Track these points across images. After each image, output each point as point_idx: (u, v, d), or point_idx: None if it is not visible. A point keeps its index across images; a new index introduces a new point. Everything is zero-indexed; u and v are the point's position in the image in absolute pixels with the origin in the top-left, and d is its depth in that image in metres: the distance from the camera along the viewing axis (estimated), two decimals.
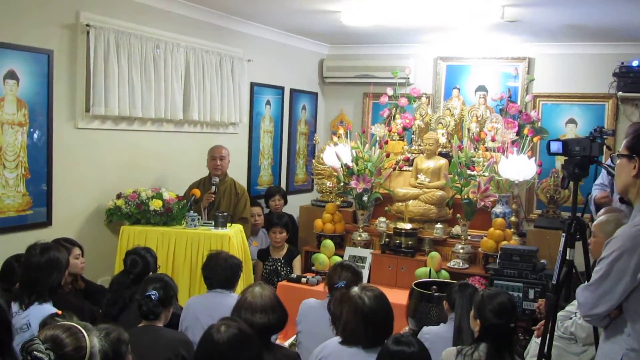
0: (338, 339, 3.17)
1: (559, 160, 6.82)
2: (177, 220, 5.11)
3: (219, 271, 3.99)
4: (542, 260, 4.93)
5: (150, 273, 4.02)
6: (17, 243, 4.24)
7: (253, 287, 3.22)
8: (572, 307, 3.82)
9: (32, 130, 4.53)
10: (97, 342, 2.12)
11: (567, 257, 3.00)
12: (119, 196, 5.07)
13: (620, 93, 6.55)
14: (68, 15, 4.77)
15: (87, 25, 4.81)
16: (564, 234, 3.05)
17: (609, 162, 5.27)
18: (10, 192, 4.41)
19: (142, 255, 4.09)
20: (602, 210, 3.78)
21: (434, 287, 4.38)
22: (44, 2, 4.58)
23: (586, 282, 2.65)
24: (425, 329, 3.87)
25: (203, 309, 3.85)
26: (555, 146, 3.12)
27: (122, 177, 5.29)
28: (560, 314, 3.65)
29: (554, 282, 3.03)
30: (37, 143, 4.58)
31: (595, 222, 3.40)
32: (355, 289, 3.21)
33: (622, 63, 6.46)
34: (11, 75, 4.35)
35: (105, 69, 4.93)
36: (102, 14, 4.97)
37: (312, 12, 5.93)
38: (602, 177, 5.30)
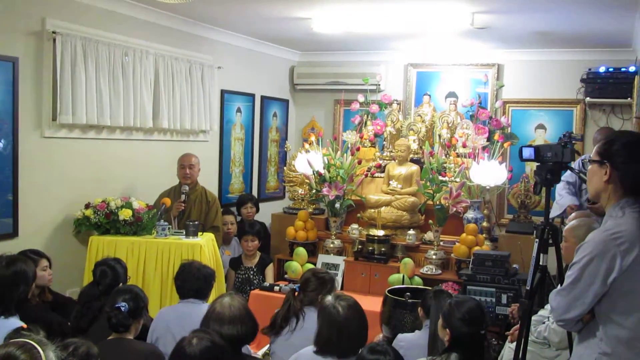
0: (312, 348, 3.15)
1: (529, 166, 6.89)
2: (147, 230, 5.04)
3: (192, 281, 3.93)
4: (515, 265, 4.95)
5: (120, 284, 3.94)
6: None
7: (222, 298, 3.18)
8: (544, 311, 3.84)
9: None
10: (54, 357, 2.07)
11: (541, 263, 3.01)
12: (87, 206, 4.98)
13: (588, 99, 6.64)
14: (34, 22, 4.68)
15: (54, 32, 4.72)
16: (536, 240, 3.06)
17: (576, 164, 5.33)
18: None
19: (112, 266, 4.01)
20: (572, 215, 3.81)
21: (408, 293, 4.37)
22: (9, 8, 4.49)
23: (559, 287, 2.65)
24: (399, 336, 3.86)
25: (174, 319, 3.78)
26: (527, 152, 3.13)
27: (91, 187, 5.20)
28: (533, 318, 3.66)
29: (527, 288, 3.03)
30: (2, 152, 4.47)
31: (566, 227, 3.42)
32: (329, 298, 3.19)
33: (590, 69, 6.55)
34: None
35: (72, 77, 4.84)
36: (69, 21, 4.89)
37: (282, 19, 5.91)
38: (567, 176, 5.32)
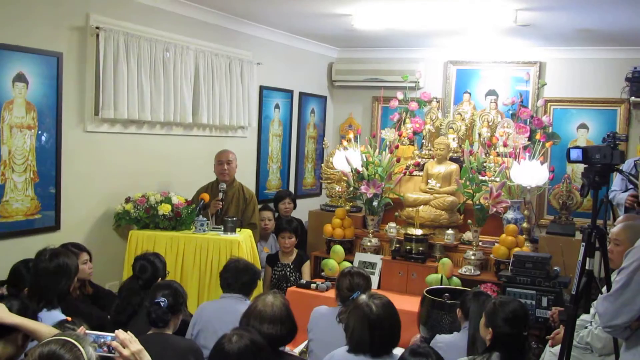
0: (346, 347, 3.13)
1: (571, 166, 6.77)
2: (186, 225, 5.07)
3: (239, 275, 3.98)
4: (555, 268, 4.85)
5: (160, 279, 3.98)
6: (25, 247, 4.21)
7: (265, 296, 3.17)
8: (587, 316, 3.76)
9: (40, 133, 4.49)
10: (92, 351, 2.11)
11: (587, 267, 2.94)
12: (127, 200, 5.03)
13: (632, 98, 6.49)
14: (78, 17, 4.74)
15: (97, 27, 4.77)
16: (583, 243, 2.99)
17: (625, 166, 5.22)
18: (19, 195, 4.37)
19: (151, 261, 4.05)
20: (620, 218, 3.71)
21: (446, 294, 4.32)
22: (54, 4, 4.54)
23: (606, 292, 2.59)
24: (438, 337, 3.82)
25: (216, 314, 3.82)
26: (575, 154, 3.05)
27: (131, 181, 5.25)
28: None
29: (573, 292, 2.97)
30: (45, 146, 4.54)
31: (614, 230, 3.33)
32: (363, 297, 3.17)
33: (635, 68, 6.40)
34: (20, 77, 4.32)
35: (114, 72, 4.89)
36: (112, 17, 4.93)
37: (322, 15, 5.89)
38: (616, 184, 5.24)
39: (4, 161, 4.25)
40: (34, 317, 2.97)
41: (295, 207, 6.70)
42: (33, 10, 4.40)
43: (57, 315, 3.30)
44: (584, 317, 3.78)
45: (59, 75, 4.58)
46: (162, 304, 3.28)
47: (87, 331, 2.63)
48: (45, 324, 2.83)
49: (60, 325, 2.90)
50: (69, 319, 2.99)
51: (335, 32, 6.83)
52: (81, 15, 4.76)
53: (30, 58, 4.36)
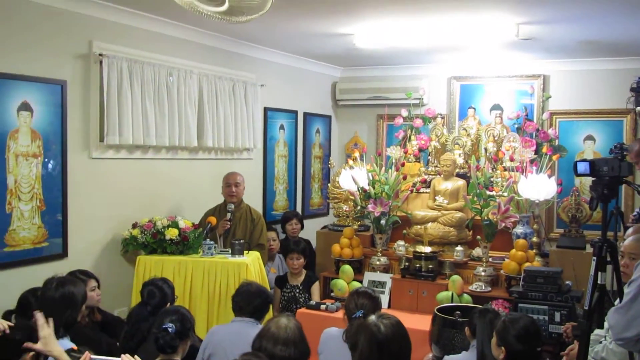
0: None
1: (579, 179, 6.73)
2: (194, 249, 5.05)
3: (251, 299, 3.96)
4: (567, 282, 4.81)
5: (168, 304, 3.95)
6: (33, 276, 4.20)
7: (279, 318, 3.14)
8: (601, 330, 3.70)
9: (46, 160, 4.50)
10: None
11: (599, 281, 2.90)
12: (134, 226, 5.03)
13: (638, 108, 6.44)
14: (81, 45, 4.76)
15: (100, 54, 4.80)
16: (594, 257, 2.96)
17: None
18: (26, 224, 4.37)
19: (159, 286, 4.02)
20: (630, 230, 3.67)
21: (458, 312, 4.28)
22: (57, 32, 4.57)
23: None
24: (447, 358, 3.77)
25: (228, 338, 3.80)
26: (583, 167, 3.02)
27: (138, 206, 5.25)
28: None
29: (586, 308, 2.93)
30: (51, 174, 4.54)
31: (625, 243, 3.29)
32: (372, 317, 3.13)
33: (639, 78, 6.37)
34: (25, 106, 4.33)
35: (118, 98, 4.90)
36: (114, 43, 4.96)
37: (325, 35, 5.91)
38: None
39: (10, 190, 4.25)
40: None
41: (302, 227, 6.68)
42: (36, 40, 4.42)
43: (66, 343, 3.26)
44: (597, 331, 3.72)
45: (64, 102, 4.59)
46: (169, 329, 3.26)
47: (93, 356, 2.61)
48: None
49: (67, 354, 2.88)
50: (75, 347, 2.97)
51: (337, 52, 6.85)
52: (84, 43, 4.78)
53: (34, 86, 4.38)
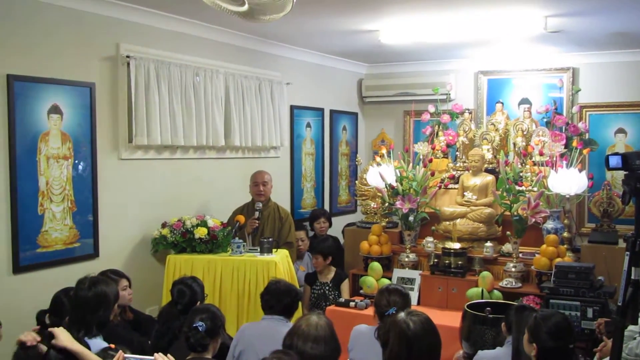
0: None
1: (610, 172, 6.62)
2: (223, 248, 5.08)
3: (281, 297, 3.97)
4: (600, 277, 4.74)
5: (198, 302, 3.98)
6: (66, 276, 4.27)
7: (310, 316, 3.14)
8: (635, 327, 3.65)
9: (76, 162, 4.56)
10: None
11: (632, 277, 2.84)
12: (164, 225, 5.07)
13: None
14: (108, 47, 4.81)
15: (127, 56, 4.84)
16: (627, 252, 2.90)
17: None
18: (58, 225, 4.43)
19: (189, 285, 4.06)
20: None
21: (488, 308, 4.23)
22: (85, 36, 4.63)
23: None
24: (480, 353, 3.75)
25: (258, 336, 3.82)
26: (615, 161, 2.96)
27: (167, 206, 5.29)
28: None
29: (619, 304, 2.87)
30: (82, 175, 4.60)
31: None
32: (402, 314, 3.11)
33: None
34: (55, 109, 4.40)
35: (146, 99, 4.95)
36: (141, 45, 5.00)
37: (350, 32, 5.90)
38: None
39: (42, 192, 4.32)
40: (84, 346, 3.01)
41: (330, 225, 6.68)
42: (65, 43, 4.49)
43: (99, 343, 3.30)
44: (631, 328, 3.66)
45: (92, 105, 4.65)
46: (200, 328, 3.28)
47: (127, 355, 2.64)
48: (94, 355, 2.87)
49: (103, 352, 2.91)
50: (112, 346, 3.00)
51: (363, 49, 6.83)
52: (112, 46, 4.83)
53: (64, 90, 4.44)
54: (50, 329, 2.88)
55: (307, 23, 5.54)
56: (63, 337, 2.78)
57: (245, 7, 3.09)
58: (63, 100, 4.45)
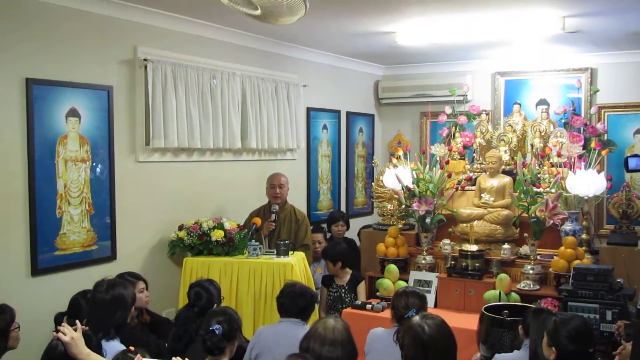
0: None
1: (629, 173, 6.55)
2: (239, 250, 5.09)
3: (297, 299, 3.97)
4: (619, 279, 4.69)
5: (215, 305, 3.98)
6: (83, 278, 4.31)
7: (327, 319, 3.14)
8: None
9: (94, 165, 4.59)
10: None
11: None
12: (180, 228, 5.09)
13: None
14: (126, 51, 4.84)
15: (145, 59, 4.87)
16: None
17: None
18: (76, 228, 4.47)
19: (206, 288, 4.06)
20: None
21: (506, 311, 4.21)
22: (102, 39, 4.66)
23: None
24: (497, 356, 3.72)
25: (274, 338, 3.81)
26: (634, 162, 2.95)
27: (183, 208, 5.32)
28: None
29: (639, 307, 2.85)
30: (99, 178, 4.64)
31: None
32: (416, 318, 3.10)
33: None
34: (73, 112, 4.43)
35: (163, 102, 4.98)
36: (158, 48, 5.03)
37: (366, 34, 5.89)
38: None
39: (60, 195, 4.35)
40: (98, 347, 3.03)
41: (348, 228, 6.68)
42: (83, 47, 4.52)
43: (117, 345, 3.32)
44: None
45: (110, 108, 4.68)
46: (216, 331, 3.28)
47: (145, 359, 2.65)
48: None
49: (123, 355, 2.93)
50: (132, 348, 3.02)
51: (379, 50, 6.82)
52: (129, 49, 4.86)
53: (81, 93, 4.48)
54: (60, 328, 2.93)
55: (324, 25, 5.54)
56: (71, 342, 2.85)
57: (259, 12, 3.13)
58: (81, 103, 4.48)
